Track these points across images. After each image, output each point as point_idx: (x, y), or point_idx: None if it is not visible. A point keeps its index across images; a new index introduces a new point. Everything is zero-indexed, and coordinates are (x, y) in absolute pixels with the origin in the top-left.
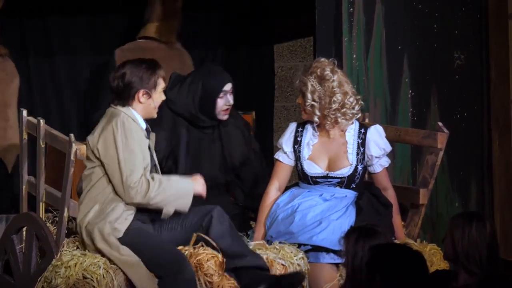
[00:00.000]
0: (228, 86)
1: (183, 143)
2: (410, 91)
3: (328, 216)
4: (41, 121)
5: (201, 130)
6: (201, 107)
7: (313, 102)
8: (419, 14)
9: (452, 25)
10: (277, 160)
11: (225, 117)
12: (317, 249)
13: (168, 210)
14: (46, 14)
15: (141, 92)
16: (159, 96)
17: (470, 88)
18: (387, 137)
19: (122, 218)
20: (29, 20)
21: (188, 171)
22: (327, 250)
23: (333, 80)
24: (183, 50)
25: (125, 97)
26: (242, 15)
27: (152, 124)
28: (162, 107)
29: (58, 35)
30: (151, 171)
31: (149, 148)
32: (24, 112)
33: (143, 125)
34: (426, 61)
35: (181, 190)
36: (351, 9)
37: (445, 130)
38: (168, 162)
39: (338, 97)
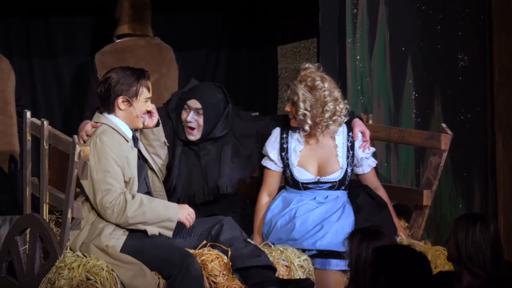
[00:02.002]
0: (192, 103)
1: (177, 155)
2: (414, 93)
3: (328, 218)
4: (45, 122)
5: (188, 145)
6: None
7: (305, 112)
8: (422, 16)
9: (456, 26)
10: (265, 167)
11: (189, 137)
12: (323, 255)
13: (152, 231)
14: (49, 14)
15: (120, 98)
16: (142, 105)
17: (473, 89)
18: (391, 139)
19: (117, 233)
20: (32, 21)
21: (177, 185)
22: (333, 257)
23: (325, 89)
24: (163, 44)
25: (107, 103)
26: (246, 16)
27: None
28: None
29: (61, 35)
30: (145, 178)
31: (139, 156)
32: (28, 113)
33: (129, 133)
34: (429, 62)
35: (163, 215)
36: (355, 10)
37: (449, 132)
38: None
39: (330, 106)
